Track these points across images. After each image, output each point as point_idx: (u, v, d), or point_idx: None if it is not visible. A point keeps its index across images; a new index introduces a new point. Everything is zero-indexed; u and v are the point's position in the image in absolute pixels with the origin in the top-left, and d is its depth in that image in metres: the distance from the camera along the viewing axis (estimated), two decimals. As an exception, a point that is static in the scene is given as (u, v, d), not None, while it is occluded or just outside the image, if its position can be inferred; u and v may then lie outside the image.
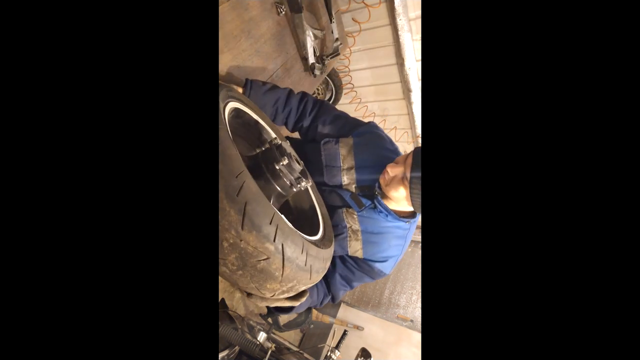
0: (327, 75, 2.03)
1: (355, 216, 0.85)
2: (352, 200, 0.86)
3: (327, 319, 2.70)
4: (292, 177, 0.67)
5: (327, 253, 0.62)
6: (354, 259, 0.87)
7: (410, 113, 2.22)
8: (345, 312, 2.75)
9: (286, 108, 0.92)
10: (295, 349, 1.68)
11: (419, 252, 2.90)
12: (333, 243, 0.74)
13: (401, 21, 1.76)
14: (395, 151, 0.92)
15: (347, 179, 0.87)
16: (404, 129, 2.38)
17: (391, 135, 2.43)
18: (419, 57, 1.90)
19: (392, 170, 0.77)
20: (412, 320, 2.53)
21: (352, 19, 1.88)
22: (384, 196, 0.82)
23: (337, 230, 0.86)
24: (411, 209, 0.82)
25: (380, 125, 2.48)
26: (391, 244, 0.85)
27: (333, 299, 0.91)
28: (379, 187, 0.82)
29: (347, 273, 0.87)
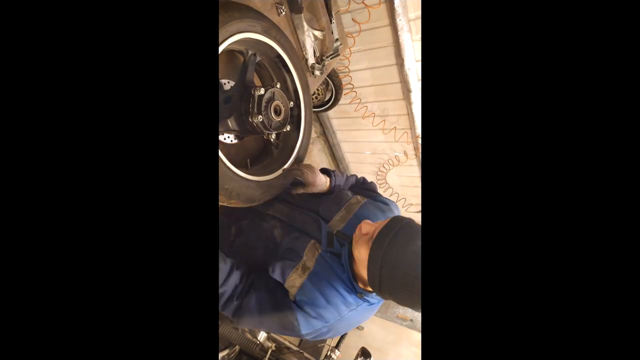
0: (327, 76, 2.03)
1: (317, 254, 0.78)
2: (326, 237, 0.81)
3: (327, 319, 2.70)
4: (265, 130, 0.83)
5: (251, 188, 0.82)
6: (282, 295, 0.77)
7: (410, 113, 2.22)
8: (345, 312, 2.75)
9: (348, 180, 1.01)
10: (295, 348, 1.68)
11: (419, 252, 2.89)
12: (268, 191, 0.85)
13: (401, 22, 1.76)
14: None
15: (337, 220, 0.85)
16: (404, 129, 2.38)
17: (391, 135, 2.43)
18: (419, 57, 1.90)
19: (365, 227, 0.72)
20: (412, 320, 2.53)
21: (352, 19, 1.88)
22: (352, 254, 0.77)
23: (289, 256, 0.78)
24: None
25: (380, 126, 2.45)
26: (328, 306, 0.73)
27: (237, 316, 0.77)
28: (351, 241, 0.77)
29: (265, 303, 0.76)
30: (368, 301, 0.76)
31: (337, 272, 0.76)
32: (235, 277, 0.78)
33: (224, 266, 0.77)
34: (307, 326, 0.73)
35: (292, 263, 0.77)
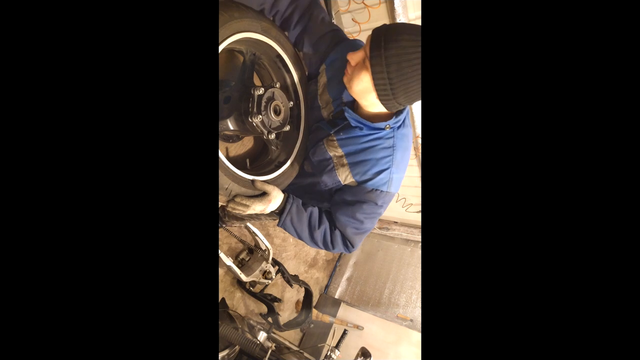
0: (327, 75, 2.03)
1: (335, 142, 0.85)
2: (327, 124, 0.88)
3: (327, 318, 2.71)
4: (265, 130, 0.82)
5: (250, 188, 0.82)
6: (350, 189, 0.85)
7: (409, 113, 2.22)
8: (345, 312, 2.75)
9: (272, 10, 0.83)
10: (296, 348, 1.68)
11: (419, 252, 2.90)
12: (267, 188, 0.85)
13: (401, 22, 1.76)
14: None
15: (325, 112, 0.92)
16: (404, 129, 2.38)
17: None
18: (419, 57, 1.90)
19: (353, 58, 0.70)
20: (411, 320, 2.53)
21: (352, 19, 1.88)
22: (353, 106, 0.81)
23: (323, 164, 0.86)
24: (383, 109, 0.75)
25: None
26: (377, 157, 0.81)
27: (346, 242, 0.88)
28: (346, 93, 0.80)
29: (344, 208, 0.85)
30: (395, 126, 0.82)
31: (357, 133, 0.82)
32: (324, 218, 0.88)
33: (315, 210, 0.87)
34: (384, 183, 0.82)
35: (330, 167, 0.86)
